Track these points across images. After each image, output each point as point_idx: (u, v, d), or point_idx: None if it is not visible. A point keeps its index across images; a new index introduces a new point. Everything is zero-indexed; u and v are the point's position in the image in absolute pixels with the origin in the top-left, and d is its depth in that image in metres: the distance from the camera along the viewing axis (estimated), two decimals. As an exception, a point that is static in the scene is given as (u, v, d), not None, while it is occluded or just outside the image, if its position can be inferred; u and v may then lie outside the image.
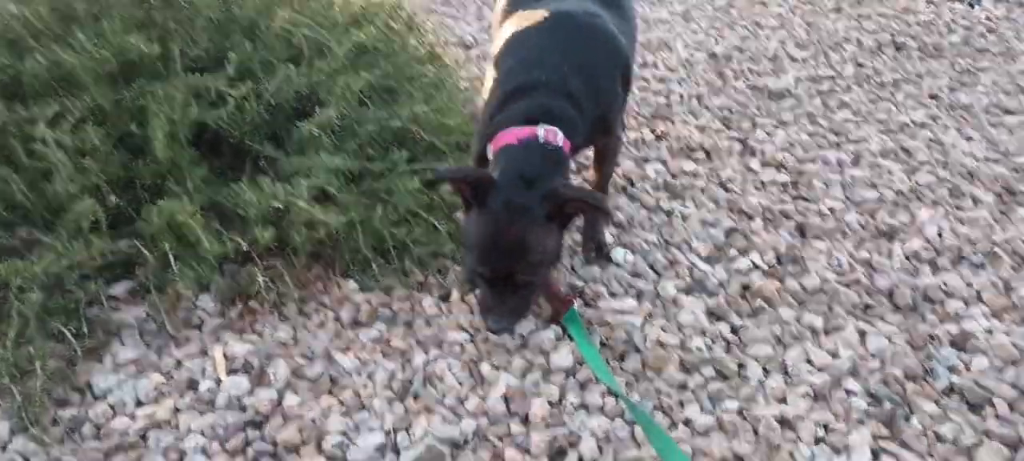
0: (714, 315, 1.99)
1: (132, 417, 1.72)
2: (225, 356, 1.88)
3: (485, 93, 2.03)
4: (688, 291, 2.09)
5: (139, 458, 1.61)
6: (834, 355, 1.84)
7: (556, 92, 1.85)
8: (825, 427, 1.63)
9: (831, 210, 2.47)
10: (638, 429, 1.63)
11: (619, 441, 1.61)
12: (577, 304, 1.94)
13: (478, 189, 1.71)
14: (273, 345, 1.92)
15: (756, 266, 2.18)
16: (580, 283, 2.12)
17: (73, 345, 1.87)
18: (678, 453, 1.48)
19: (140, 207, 2.17)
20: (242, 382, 1.80)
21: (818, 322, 1.95)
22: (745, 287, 2.09)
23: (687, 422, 1.66)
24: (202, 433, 1.67)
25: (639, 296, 2.09)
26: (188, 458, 1.60)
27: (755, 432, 1.62)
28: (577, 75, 1.88)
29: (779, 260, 2.21)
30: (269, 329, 1.99)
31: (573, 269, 2.17)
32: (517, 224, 1.67)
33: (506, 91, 1.91)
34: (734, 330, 1.93)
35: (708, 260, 2.24)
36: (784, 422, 1.64)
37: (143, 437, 1.67)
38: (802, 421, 1.65)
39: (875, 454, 1.55)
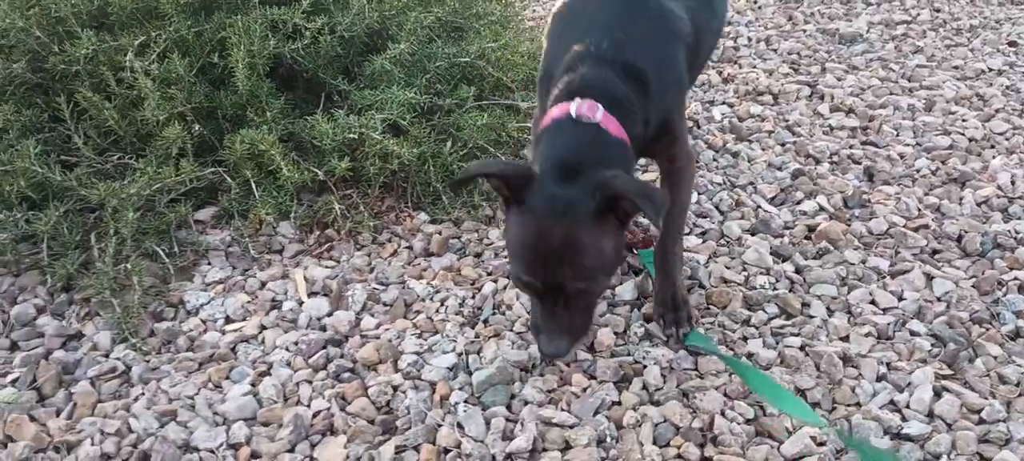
0: (778, 255, 2.02)
1: (222, 332, 1.83)
2: (305, 279, 1.98)
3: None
4: (753, 231, 2.12)
5: (230, 368, 1.72)
6: (899, 297, 1.86)
7: (603, 62, 1.56)
8: (887, 365, 1.66)
9: (901, 155, 2.45)
10: (702, 360, 1.68)
11: (682, 371, 1.66)
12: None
13: (516, 184, 1.45)
14: (350, 271, 2.01)
15: (822, 209, 2.19)
16: (644, 220, 2.16)
17: (166, 264, 1.98)
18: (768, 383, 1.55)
19: (222, 136, 2.27)
20: (322, 304, 1.89)
21: (884, 265, 1.96)
22: (810, 229, 2.11)
23: (749, 356, 1.70)
24: (286, 349, 1.77)
25: (704, 235, 2.12)
26: (274, 370, 1.70)
27: (817, 367, 1.65)
28: (635, 44, 1.59)
29: (846, 203, 2.22)
30: (345, 256, 2.08)
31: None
32: (564, 223, 1.40)
33: (547, 66, 1.69)
34: (798, 270, 1.96)
35: (773, 202, 2.25)
36: (846, 359, 1.67)
37: (233, 350, 1.78)
38: (864, 359, 1.67)
39: (937, 392, 1.58)
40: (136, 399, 1.65)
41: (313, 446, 1.53)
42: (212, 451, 1.53)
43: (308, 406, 1.62)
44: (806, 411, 1.50)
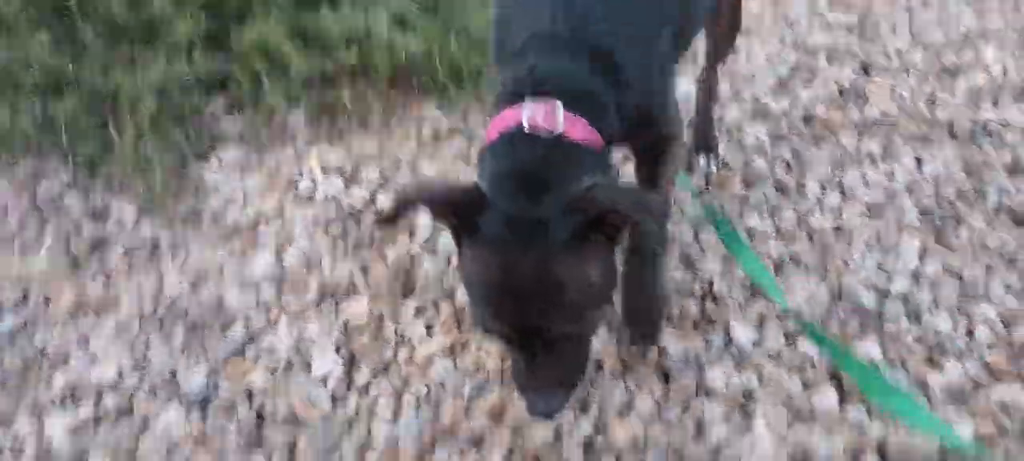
0: (777, 139, 2.10)
1: (242, 208, 1.91)
2: (319, 161, 2.05)
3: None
4: (753, 118, 2.19)
5: (253, 240, 1.80)
6: (890, 177, 1.94)
7: (561, 45, 1.22)
8: (877, 235, 1.75)
9: (897, 51, 2.51)
10: (702, 235, 1.77)
11: (683, 242, 1.75)
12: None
13: (462, 211, 1.13)
14: (362, 154, 2.08)
15: (819, 99, 2.26)
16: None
17: (183, 148, 2.05)
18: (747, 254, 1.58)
19: (229, 31, 2.32)
20: (337, 182, 1.97)
21: (877, 149, 2.04)
22: (807, 117, 2.18)
23: (748, 229, 1.79)
24: (306, 223, 1.85)
25: (704, 123, 2.19)
26: (295, 241, 1.79)
27: (810, 238, 1.75)
28: (601, 18, 1.25)
29: (842, 93, 2.29)
30: (357, 141, 2.15)
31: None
32: (534, 254, 1.09)
33: (496, 53, 1.36)
34: (795, 154, 2.04)
35: (772, 93, 2.32)
36: (839, 230, 1.76)
37: (254, 224, 1.86)
38: (856, 230, 1.77)
39: (922, 258, 1.68)
40: (167, 266, 1.74)
41: (338, 305, 1.63)
42: (244, 309, 1.63)
43: (330, 272, 1.71)
44: (778, 294, 1.53)
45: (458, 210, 1.13)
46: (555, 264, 1.09)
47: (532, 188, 1.11)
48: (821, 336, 1.44)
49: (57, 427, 1.42)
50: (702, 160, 1.98)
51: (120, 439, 1.40)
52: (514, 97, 1.18)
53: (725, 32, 1.95)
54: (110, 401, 1.46)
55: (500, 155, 1.15)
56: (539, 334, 1.13)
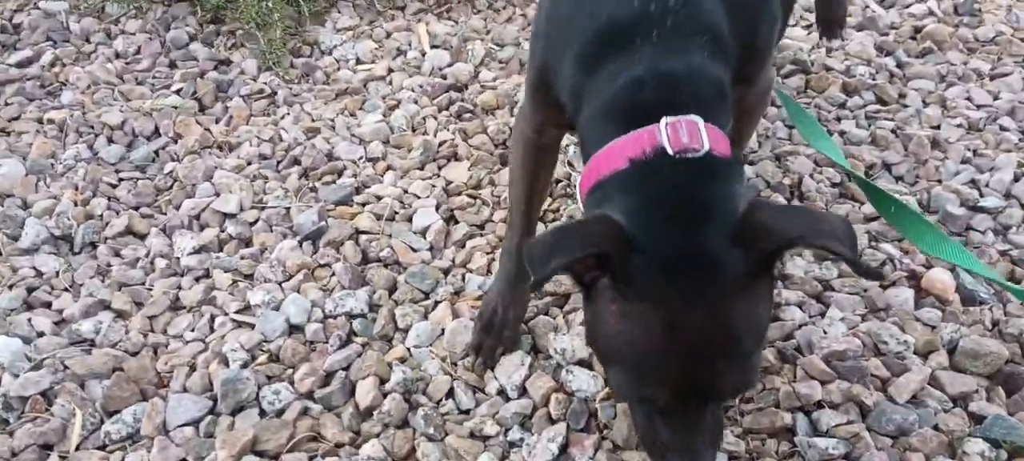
0: (882, 50, 2.08)
1: (354, 71, 2.02)
2: (428, 33, 2.13)
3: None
4: (859, 28, 2.17)
5: (363, 101, 1.91)
6: (995, 97, 1.92)
7: (676, 34, 0.99)
8: (973, 151, 1.75)
9: (1019, -29, 2.43)
10: (794, 133, 1.80)
11: (776, 138, 1.79)
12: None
13: (606, 259, 0.90)
14: (468, 30, 2.15)
15: (932, 13, 2.22)
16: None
17: (301, 7, 2.15)
18: (823, 136, 1.53)
19: None
20: (443, 56, 2.05)
21: (985, 67, 2.01)
22: (917, 30, 2.15)
23: (842, 133, 1.81)
24: (412, 89, 1.95)
25: (809, 27, 2.18)
26: (403, 105, 1.89)
27: (905, 147, 1.76)
28: None
29: (956, 10, 2.24)
30: (463, 18, 2.22)
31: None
32: (709, 299, 0.89)
33: (547, 51, 1.13)
34: (900, 65, 2.02)
35: (883, 3, 2.29)
36: (935, 143, 1.77)
37: (364, 85, 1.97)
38: (952, 144, 1.77)
39: (1017, 177, 1.67)
40: (283, 116, 1.87)
41: (440, 167, 1.73)
42: (354, 161, 1.74)
43: (434, 136, 1.81)
44: (836, 153, 1.48)
45: (603, 260, 0.89)
46: (732, 310, 0.89)
47: (690, 219, 0.90)
48: (861, 178, 1.45)
49: (185, 246, 1.57)
50: (824, 37, 1.97)
51: (239, 263, 1.54)
52: (639, 115, 0.96)
53: None
54: (231, 229, 1.61)
55: (641, 184, 0.93)
56: (709, 395, 0.94)
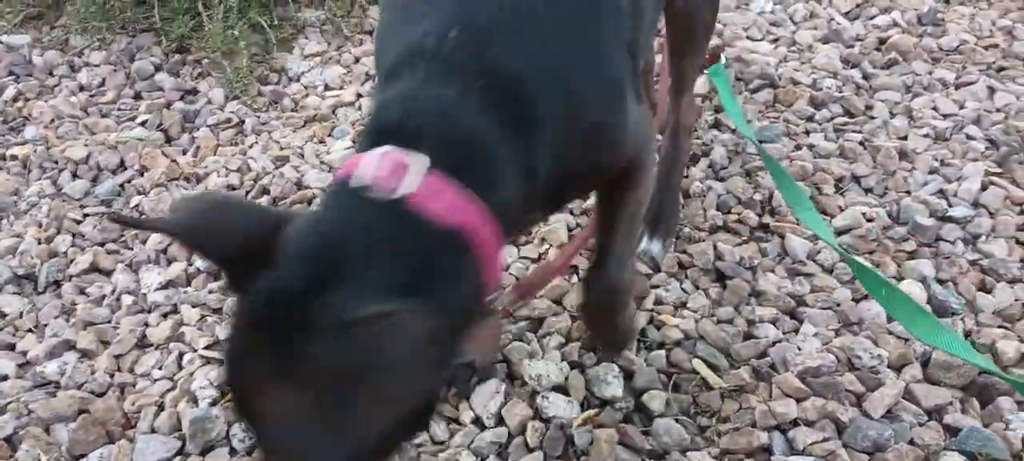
0: (848, 62, 2.09)
1: (322, 97, 2.00)
2: (396, 57, 2.12)
3: None
4: (825, 41, 2.19)
5: (331, 127, 1.90)
6: (961, 106, 1.94)
7: (449, 69, 0.84)
8: (941, 161, 1.77)
9: (980, -20, 2.46)
10: (765, 146, 1.81)
11: (747, 153, 1.79)
12: (723, 58, 2.02)
13: (235, 262, 0.77)
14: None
15: (896, 24, 2.24)
16: (719, 25, 2.24)
17: (268, 34, 2.14)
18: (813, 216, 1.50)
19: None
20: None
21: (950, 76, 2.03)
22: (882, 41, 2.17)
23: (811, 147, 1.82)
24: (382, 114, 1.94)
25: (776, 41, 2.20)
26: (372, 130, 1.88)
27: (874, 159, 1.77)
28: (515, 32, 0.88)
29: (920, 20, 2.26)
30: None
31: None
32: (258, 362, 0.71)
33: (376, 68, 1.05)
34: (866, 76, 2.04)
35: (848, 16, 2.31)
36: (903, 154, 1.78)
37: (333, 111, 1.95)
38: (919, 155, 1.79)
39: (984, 186, 1.69)
40: (251, 145, 1.85)
41: (410, 192, 1.72)
42: (323, 189, 1.73)
43: (404, 160, 1.80)
44: (821, 227, 1.48)
45: (243, 258, 0.74)
46: (274, 398, 0.69)
47: (318, 272, 0.70)
48: (852, 260, 1.43)
49: (152, 281, 1.55)
50: (652, 247, 1.51)
51: (207, 297, 1.52)
52: (373, 138, 0.81)
53: (687, 40, 1.50)
54: (199, 263, 1.58)
55: (313, 217, 0.78)
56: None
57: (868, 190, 1.71)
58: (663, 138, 1.59)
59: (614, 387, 1.30)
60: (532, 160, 0.85)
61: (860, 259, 1.53)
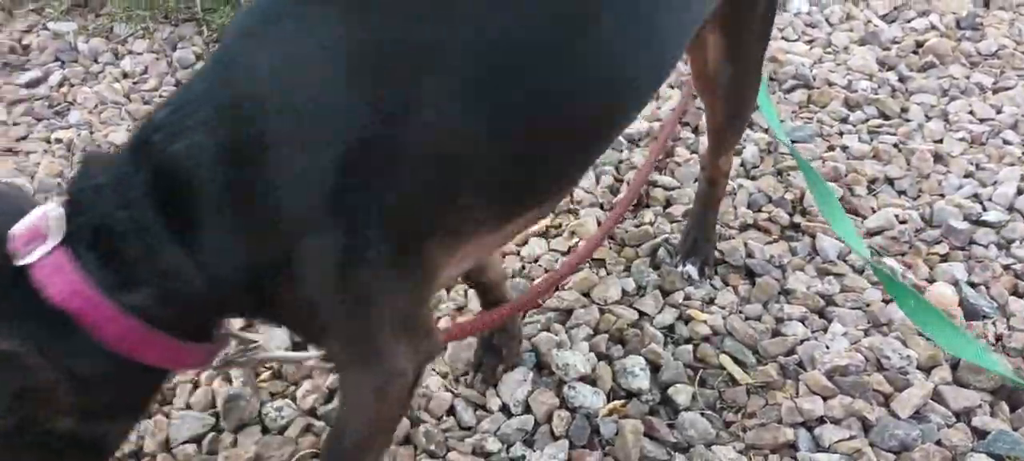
0: (884, 64, 2.08)
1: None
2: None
3: None
4: (861, 43, 2.18)
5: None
6: (998, 110, 1.92)
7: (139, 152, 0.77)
8: (976, 165, 1.75)
9: (1022, -16, 2.43)
10: (796, 146, 1.80)
11: (779, 153, 1.79)
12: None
13: None
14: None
15: (934, 27, 2.23)
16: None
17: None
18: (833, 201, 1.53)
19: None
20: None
21: (987, 81, 2.01)
22: (919, 44, 2.15)
23: (844, 148, 1.81)
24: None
25: (811, 43, 2.19)
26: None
27: (908, 162, 1.76)
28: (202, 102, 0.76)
29: (958, 24, 2.24)
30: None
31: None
32: None
33: None
34: (901, 79, 2.03)
35: (885, 18, 2.29)
36: (937, 157, 1.77)
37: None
38: (954, 158, 1.77)
39: (1020, 191, 1.67)
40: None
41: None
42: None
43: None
44: (855, 240, 1.49)
45: None
46: None
47: None
48: (882, 271, 1.44)
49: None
50: (688, 269, 1.50)
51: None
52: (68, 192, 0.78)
53: (725, 114, 1.37)
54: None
55: None
56: None
57: (901, 192, 1.70)
58: (699, 177, 1.57)
59: (641, 379, 1.31)
60: (193, 260, 0.75)
61: (891, 261, 1.52)
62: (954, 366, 1.34)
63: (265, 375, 1.36)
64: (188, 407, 1.32)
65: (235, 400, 1.29)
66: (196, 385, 1.35)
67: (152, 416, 1.30)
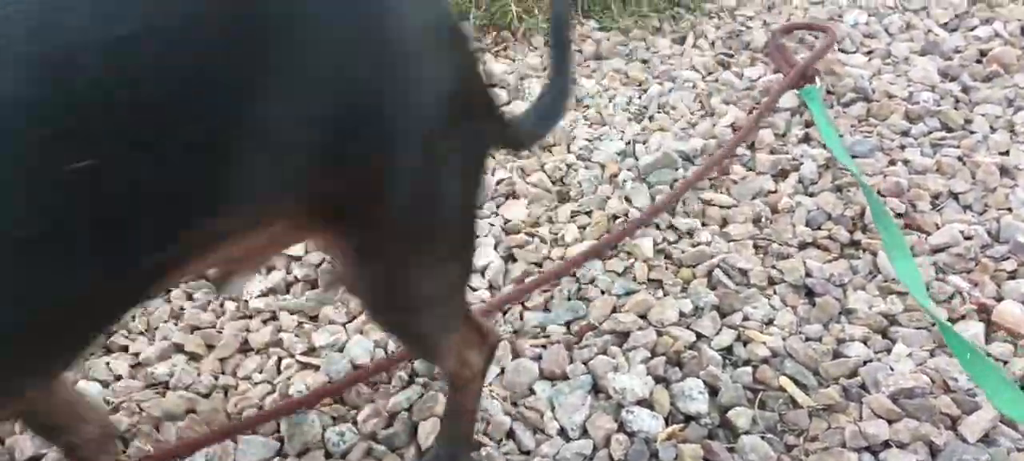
0: (946, 75, 2.04)
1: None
2: (485, 71, 2.17)
3: None
4: (922, 53, 2.13)
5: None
6: (1067, 120, 1.87)
7: None
8: (1046, 178, 1.70)
9: (1091, -12, 2.36)
10: (859, 161, 1.77)
11: (838, 168, 1.76)
12: (818, 81, 1.99)
13: None
14: (525, 68, 2.18)
15: (998, 35, 2.17)
16: (811, 38, 2.21)
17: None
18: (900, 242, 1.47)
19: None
20: (501, 94, 2.09)
21: (1056, 90, 1.96)
22: (983, 53, 2.10)
23: (906, 162, 1.78)
24: (471, 128, 1.98)
25: (870, 53, 2.15)
26: (461, 145, 1.92)
27: (973, 176, 1.72)
28: None
29: (1023, 31, 2.18)
30: (520, 56, 2.25)
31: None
32: None
33: None
34: (965, 89, 1.98)
35: (946, 27, 2.24)
36: (1004, 170, 1.72)
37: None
38: (1021, 171, 1.72)
39: (1093, 204, 1.62)
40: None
41: (498, 205, 1.76)
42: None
43: (492, 174, 1.84)
44: (919, 289, 1.42)
45: None
46: None
47: None
48: (943, 323, 1.36)
49: (253, 289, 1.63)
50: None
51: (305, 305, 1.58)
52: None
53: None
54: (297, 271, 1.65)
55: None
56: None
57: (967, 207, 1.66)
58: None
59: (699, 403, 1.31)
60: None
61: (957, 279, 1.49)
62: (1023, 387, 1.30)
63: (327, 399, 1.38)
64: (254, 431, 1.35)
65: (298, 425, 1.32)
66: (261, 409, 1.38)
67: (219, 441, 1.33)
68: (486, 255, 1.63)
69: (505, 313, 1.53)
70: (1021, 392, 1.25)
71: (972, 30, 2.21)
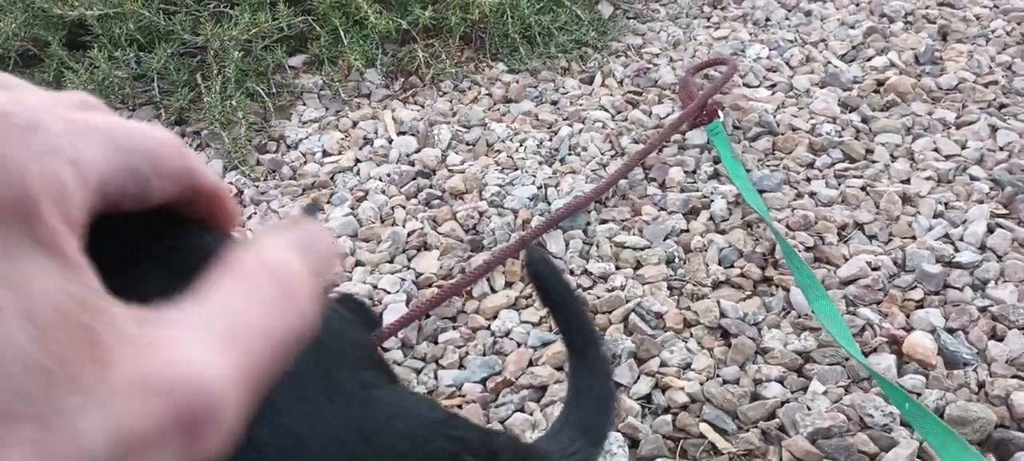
0: (846, 106, 2.08)
1: (321, 163, 2.00)
2: (394, 120, 2.13)
3: None
4: (822, 84, 2.18)
5: (331, 194, 1.89)
6: (962, 146, 1.92)
7: None
8: (945, 204, 1.74)
9: (977, 17, 2.46)
10: (767, 195, 1.79)
11: (745, 205, 1.77)
12: (721, 115, 1.98)
13: None
14: (434, 114, 2.15)
15: (893, 65, 2.24)
16: (714, 72, 2.24)
17: (266, 103, 2.15)
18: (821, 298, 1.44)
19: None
20: (410, 142, 2.04)
21: (950, 116, 2.02)
22: (880, 83, 2.16)
23: (812, 194, 1.80)
24: (379, 179, 1.93)
25: (773, 87, 2.19)
26: (370, 196, 1.87)
27: (876, 205, 1.75)
28: None
29: (917, 60, 2.25)
30: (429, 101, 2.21)
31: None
32: None
33: None
34: (865, 120, 2.03)
35: (844, 58, 2.30)
36: (906, 199, 1.76)
37: (331, 178, 1.95)
38: (923, 199, 1.76)
39: (991, 229, 1.66)
40: (250, 216, 1.85)
41: (409, 258, 1.71)
42: (320, 259, 1.72)
43: (403, 226, 1.79)
44: (844, 336, 1.41)
45: None
46: None
47: None
48: (877, 374, 1.38)
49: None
50: None
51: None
52: None
53: None
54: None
55: None
56: None
57: (872, 237, 1.69)
58: None
59: (619, 458, 1.28)
60: None
61: (867, 311, 1.50)
62: (939, 417, 1.31)
63: None
64: None
65: None
66: None
67: None
68: (397, 311, 1.58)
69: (419, 373, 1.47)
70: (967, 445, 1.23)
71: (869, 60, 2.27)
